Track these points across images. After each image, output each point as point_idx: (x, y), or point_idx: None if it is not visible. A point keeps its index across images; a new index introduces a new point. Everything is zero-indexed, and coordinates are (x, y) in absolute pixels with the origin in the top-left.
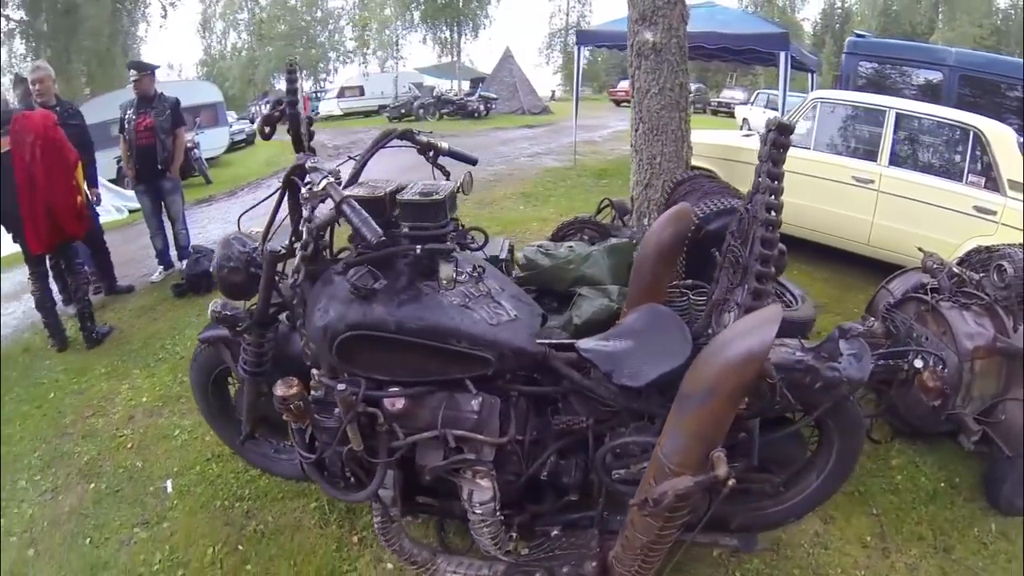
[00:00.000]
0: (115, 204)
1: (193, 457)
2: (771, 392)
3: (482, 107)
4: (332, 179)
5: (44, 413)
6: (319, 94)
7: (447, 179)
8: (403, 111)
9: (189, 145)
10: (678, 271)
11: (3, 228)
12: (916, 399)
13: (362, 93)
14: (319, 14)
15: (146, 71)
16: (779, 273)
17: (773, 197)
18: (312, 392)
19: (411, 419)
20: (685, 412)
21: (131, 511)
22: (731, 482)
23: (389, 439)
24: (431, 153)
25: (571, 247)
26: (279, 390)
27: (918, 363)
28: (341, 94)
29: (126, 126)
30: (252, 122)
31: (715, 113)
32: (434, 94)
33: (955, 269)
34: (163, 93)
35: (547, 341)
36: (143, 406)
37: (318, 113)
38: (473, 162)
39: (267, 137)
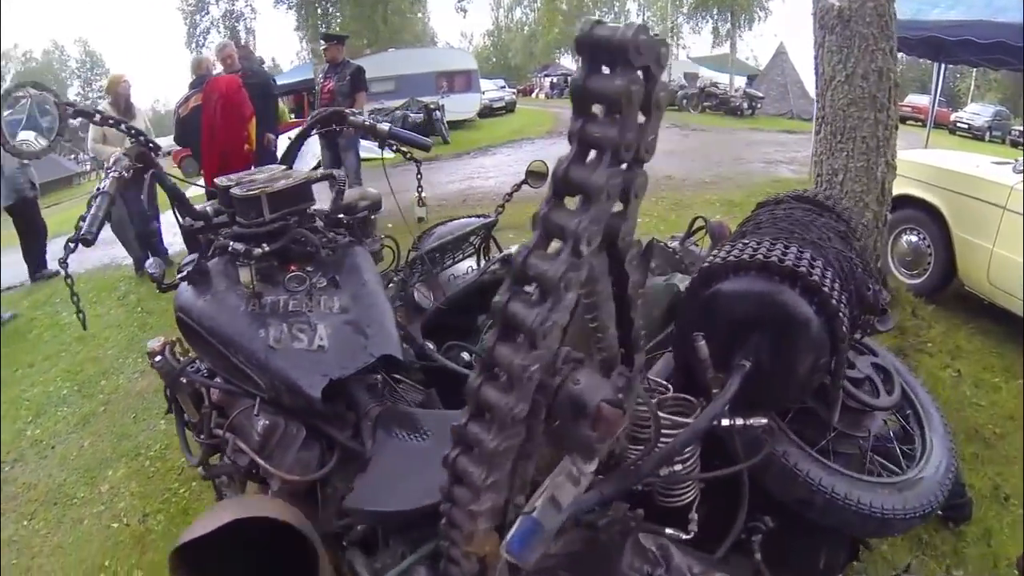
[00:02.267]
0: None
1: None
2: None
3: (745, 105)
4: (117, 172)
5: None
6: None
7: (418, 166)
8: None
9: (432, 107)
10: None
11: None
12: None
13: None
14: None
15: (333, 41)
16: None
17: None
18: None
19: (227, 412)
20: None
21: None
22: None
23: (210, 422)
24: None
25: None
26: (149, 344)
27: None
28: None
29: (315, 88)
30: (524, 94)
31: (1015, 144)
32: (698, 85)
33: None
34: (348, 60)
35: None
36: None
37: None
38: (423, 147)
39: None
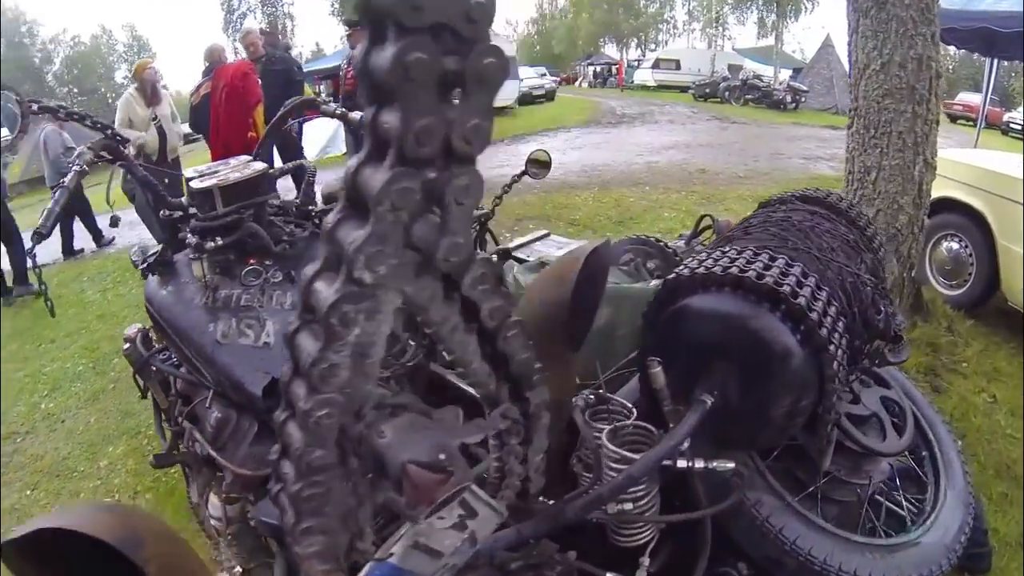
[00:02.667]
0: None
1: None
2: None
3: (788, 98)
4: (79, 167)
5: None
6: (637, 63)
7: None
8: (707, 91)
9: None
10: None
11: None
12: None
13: (678, 67)
14: None
15: (357, 26)
16: None
17: None
18: None
19: (191, 401)
20: None
21: None
22: None
23: (175, 410)
24: (348, 124)
25: None
26: (127, 331)
27: None
28: (656, 65)
29: (340, 73)
30: (567, 83)
31: None
32: (740, 77)
33: None
34: None
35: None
36: None
37: (633, 81)
38: None
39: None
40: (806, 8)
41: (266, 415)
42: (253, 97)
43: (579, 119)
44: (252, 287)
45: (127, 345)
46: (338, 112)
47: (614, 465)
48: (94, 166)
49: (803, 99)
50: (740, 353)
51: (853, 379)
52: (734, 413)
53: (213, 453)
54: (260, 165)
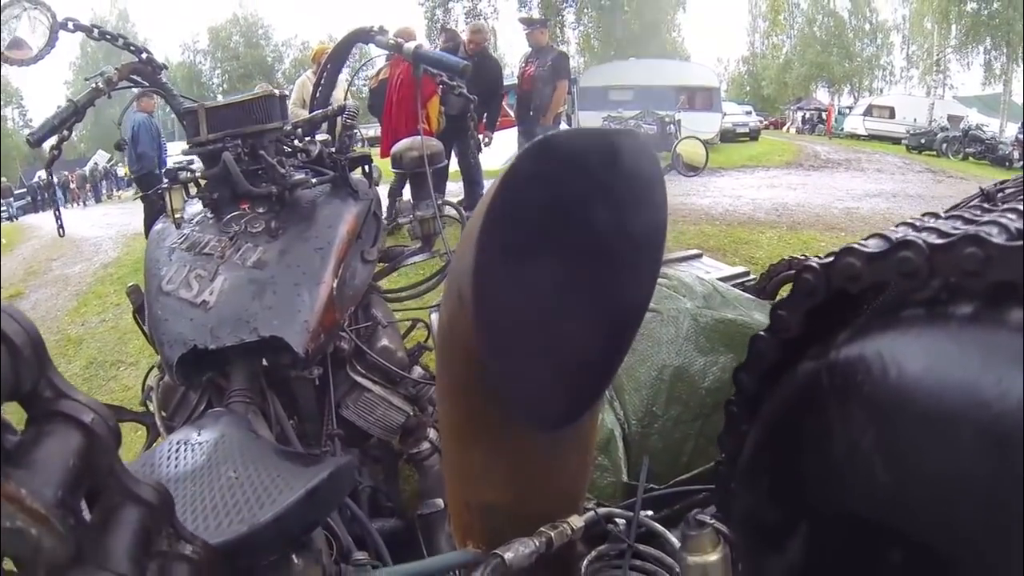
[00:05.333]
0: None
1: None
2: None
3: (1016, 154)
4: (95, 83)
5: None
6: (848, 109)
7: (471, 107)
8: (923, 141)
9: (667, 120)
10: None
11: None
12: None
13: (892, 115)
14: (868, 26)
15: (534, 25)
16: None
17: None
18: None
19: None
20: None
21: None
22: None
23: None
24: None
25: None
26: None
27: None
28: (868, 112)
29: (517, 73)
30: (775, 127)
31: None
32: (961, 127)
33: None
34: (552, 45)
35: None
36: None
37: (842, 129)
38: (454, 69)
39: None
40: None
41: (184, 386)
42: (427, 87)
43: (780, 160)
44: (227, 233)
45: (131, 282)
46: (391, 42)
47: None
48: (115, 88)
49: None
50: None
51: None
52: None
53: (159, 421)
54: (265, 89)
